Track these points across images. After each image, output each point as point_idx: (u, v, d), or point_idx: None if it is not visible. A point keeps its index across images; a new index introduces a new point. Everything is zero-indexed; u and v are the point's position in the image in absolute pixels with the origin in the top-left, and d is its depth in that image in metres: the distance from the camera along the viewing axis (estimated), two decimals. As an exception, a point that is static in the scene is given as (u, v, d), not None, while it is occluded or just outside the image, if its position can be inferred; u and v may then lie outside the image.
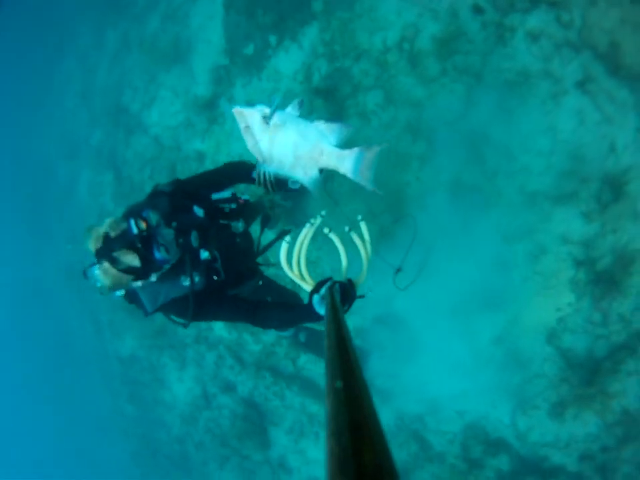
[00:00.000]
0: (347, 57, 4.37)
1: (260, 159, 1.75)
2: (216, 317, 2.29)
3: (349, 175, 1.64)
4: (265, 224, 2.97)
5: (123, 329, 7.28)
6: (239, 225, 2.48)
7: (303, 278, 1.75)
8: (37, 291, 11.35)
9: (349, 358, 0.73)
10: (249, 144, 1.72)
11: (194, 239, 2.07)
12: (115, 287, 1.89)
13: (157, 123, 6.16)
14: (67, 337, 10.25)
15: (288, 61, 4.79)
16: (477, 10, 3.86)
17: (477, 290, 3.89)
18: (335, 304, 1.25)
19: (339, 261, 1.75)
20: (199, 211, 2.22)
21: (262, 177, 1.77)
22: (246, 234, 2.61)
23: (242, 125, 1.69)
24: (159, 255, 1.91)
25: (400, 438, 4.53)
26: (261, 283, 2.75)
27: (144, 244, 1.85)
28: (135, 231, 1.83)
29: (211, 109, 5.48)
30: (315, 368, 4.95)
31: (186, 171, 5.67)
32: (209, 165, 5.48)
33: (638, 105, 3.29)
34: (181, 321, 2.17)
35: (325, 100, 4.47)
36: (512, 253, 3.81)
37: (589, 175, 3.48)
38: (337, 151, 1.63)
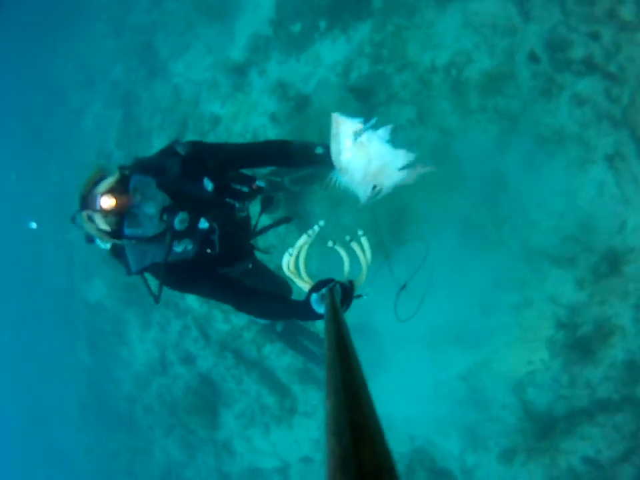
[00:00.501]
0: (391, 64, 4.40)
1: (337, 167, 1.86)
2: (199, 291, 2.26)
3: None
4: (266, 207, 2.94)
5: (95, 273, 7.21)
6: (242, 210, 2.49)
7: (301, 277, 1.78)
8: (21, 208, 11.04)
9: (349, 358, 0.74)
10: (333, 150, 1.84)
11: (178, 221, 2.01)
12: (98, 238, 1.94)
13: (181, 73, 6.06)
14: (39, 264, 10.05)
15: (332, 50, 4.78)
16: (533, 58, 3.93)
17: (456, 324, 4.06)
18: (335, 304, 1.27)
19: (339, 268, 1.81)
20: (207, 184, 2.20)
21: (333, 183, 1.88)
22: (247, 215, 2.60)
23: (333, 131, 1.81)
24: (127, 230, 1.88)
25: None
26: (251, 266, 2.76)
27: (114, 218, 1.85)
28: (111, 203, 1.83)
29: (240, 75, 5.41)
30: (278, 360, 5.03)
31: (197, 129, 5.60)
32: (221, 131, 5.43)
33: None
34: (156, 291, 2.17)
35: (357, 100, 4.48)
36: (499, 299, 3.96)
37: (592, 245, 3.65)
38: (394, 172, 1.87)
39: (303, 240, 1.77)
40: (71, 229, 2.01)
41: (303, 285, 1.78)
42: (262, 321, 3.95)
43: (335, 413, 0.55)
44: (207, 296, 2.30)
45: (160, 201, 1.95)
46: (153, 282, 2.20)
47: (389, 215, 4.23)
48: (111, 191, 1.82)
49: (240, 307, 2.13)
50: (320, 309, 1.69)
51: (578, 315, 3.76)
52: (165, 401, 5.92)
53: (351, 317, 3.67)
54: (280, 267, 1.81)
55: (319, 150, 2.38)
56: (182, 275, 2.13)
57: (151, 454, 6.48)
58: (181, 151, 2.18)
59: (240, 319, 5.13)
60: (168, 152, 2.21)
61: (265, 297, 2.14)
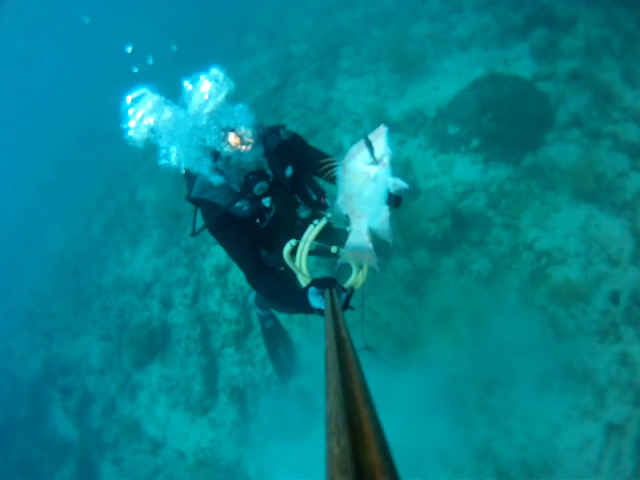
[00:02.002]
0: (501, 217, 4.85)
1: (340, 196, 1.87)
2: (228, 244, 2.53)
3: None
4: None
5: (156, 182, 8.19)
6: (302, 211, 2.75)
7: (301, 271, 1.94)
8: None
9: (348, 359, 0.78)
10: (341, 175, 1.83)
11: (258, 188, 2.34)
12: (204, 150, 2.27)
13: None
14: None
15: (465, 169, 5.34)
16: (614, 298, 4.16)
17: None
18: (335, 306, 1.34)
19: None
20: (289, 170, 2.58)
21: (335, 214, 1.94)
22: (305, 223, 2.74)
23: (353, 151, 1.79)
24: (221, 164, 2.26)
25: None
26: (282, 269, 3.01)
27: (213, 156, 2.24)
28: (236, 140, 2.18)
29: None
30: (229, 367, 5.40)
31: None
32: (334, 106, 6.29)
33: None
34: (198, 227, 2.51)
35: (451, 225, 4.84)
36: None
37: None
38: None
39: (309, 231, 1.96)
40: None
41: (302, 278, 1.93)
42: (260, 311, 4.34)
43: (334, 414, 0.58)
44: (232, 252, 2.55)
45: (256, 165, 2.31)
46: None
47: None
48: (239, 135, 2.19)
49: (251, 277, 2.42)
50: (315, 302, 1.83)
51: None
52: (121, 315, 6.56)
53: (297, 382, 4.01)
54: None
55: None
56: (226, 224, 2.43)
57: (75, 338, 7.06)
58: (284, 135, 2.58)
59: (231, 311, 5.62)
60: (274, 129, 2.60)
61: (275, 278, 2.37)
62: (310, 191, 2.81)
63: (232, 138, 2.17)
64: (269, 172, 2.39)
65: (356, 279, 1.93)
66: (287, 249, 1.97)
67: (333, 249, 1.94)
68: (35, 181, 13.02)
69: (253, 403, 5.01)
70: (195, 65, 2.24)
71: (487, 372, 4.13)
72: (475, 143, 5.34)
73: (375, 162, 1.73)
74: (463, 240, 4.80)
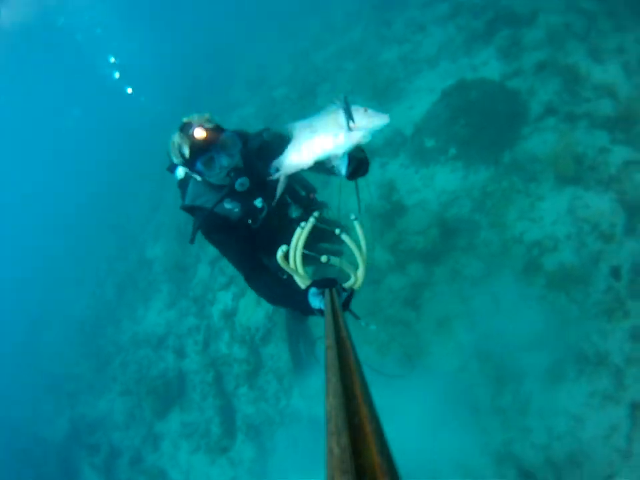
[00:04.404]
0: (487, 217, 5.02)
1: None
2: (223, 246, 2.63)
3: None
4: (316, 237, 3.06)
5: (162, 237, 9.00)
6: (294, 211, 2.91)
7: (297, 272, 1.98)
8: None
9: (349, 359, 0.79)
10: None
11: (239, 183, 2.46)
12: (175, 157, 2.40)
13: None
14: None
15: (447, 178, 5.60)
16: (616, 274, 4.16)
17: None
18: (335, 305, 1.37)
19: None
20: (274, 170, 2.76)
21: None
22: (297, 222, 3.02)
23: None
24: (199, 166, 2.34)
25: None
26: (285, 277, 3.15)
27: (197, 149, 2.31)
28: (202, 134, 2.28)
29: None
30: (244, 406, 5.68)
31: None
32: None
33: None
34: (195, 231, 2.60)
35: (440, 234, 5.10)
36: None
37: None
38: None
39: (297, 235, 2.00)
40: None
41: (299, 279, 1.98)
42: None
43: (334, 414, 0.59)
44: (227, 254, 2.64)
45: (234, 161, 2.42)
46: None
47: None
48: (207, 129, 2.29)
49: (249, 277, 2.49)
50: (315, 303, 1.86)
51: None
52: (139, 368, 6.98)
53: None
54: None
55: None
56: (218, 225, 2.55)
57: (98, 397, 7.51)
58: (266, 137, 2.69)
59: (240, 351, 5.92)
60: (258, 133, 2.73)
61: (273, 278, 2.45)
62: (298, 187, 2.95)
63: (198, 132, 2.26)
64: (241, 164, 2.48)
65: (356, 279, 1.94)
66: (279, 254, 1.98)
67: (323, 259, 1.92)
68: (47, 247, 13.99)
69: (269, 438, 5.20)
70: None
71: (495, 373, 4.19)
72: (452, 151, 5.60)
73: (348, 129, 1.71)
74: (453, 247, 4.94)
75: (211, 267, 7.28)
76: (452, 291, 4.76)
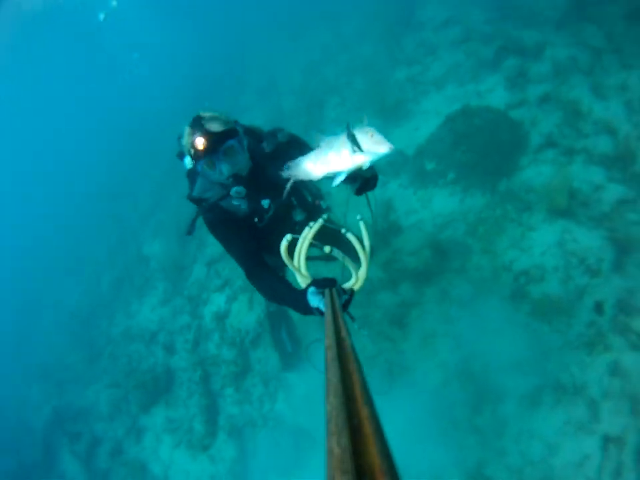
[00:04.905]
0: (479, 243, 5.21)
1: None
2: (226, 240, 2.64)
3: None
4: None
5: (161, 235, 9.21)
6: (298, 214, 2.94)
7: (299, 271, 1.99)
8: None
9: (348, 359, 0.80)
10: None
11: (235, 190, 2.50)
12: (186, 151, 2.44)
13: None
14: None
15: (444, 201, 5.79)
16: (599, 308, 4.34)
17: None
18: (335, 305, 1.38)
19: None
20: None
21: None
22: (300, 226, 2.92)
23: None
24: (200, 166, 2.40)
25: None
26: (281, 274, 2.99)
27: (197, 154, 2.35)
28: (200, 146, 2.31)
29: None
30: (229, 407, 5.84)
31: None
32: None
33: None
34: (194, 222, 2.65)
35: (432, 255, 5.29)
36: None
37: None
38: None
39: (305, 232, 2.03)
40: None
41: (300, 278, 1.99)
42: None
43: (334, 414, 0.59)
44: (231, 248, 2.63)
45: (235, 169, 2.45)
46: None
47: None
48: (210, 136, 2.31)
49: (250, 274, 2.49)
50: (314, 302, 1.84)
51: None
52: (129, 362, 7.15)
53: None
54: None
55: None
56: (223, 219, 2.58)
57: (86, 387, 7.65)
58: (281, 138, 2.69)
59: (229, 353, 6.11)
60: (272, 133, 2.72)
61: (274, 275, 2.44)
62: (305, 192, 2.99)
63: (198, 142, 2.31)
64: (245, 173, 2.52)
65: (356, 279, 1.94)
66: (283, 244, 2.00)
67: (326, 249, 1.96)
68: (48, 235, 14.11)
69: (251, 440, 5.37)
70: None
71: (475, 393, 4.35)
72: (451, 175, 5.81)
73: (352, 152, 1.78)
74: (445, 269, 5.13)
75: (208, 267, 7.46)
76: (440, 311, 4.93)
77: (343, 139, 1.80)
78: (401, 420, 4.28)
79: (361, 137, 1.77)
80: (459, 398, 4.42)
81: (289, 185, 2.03)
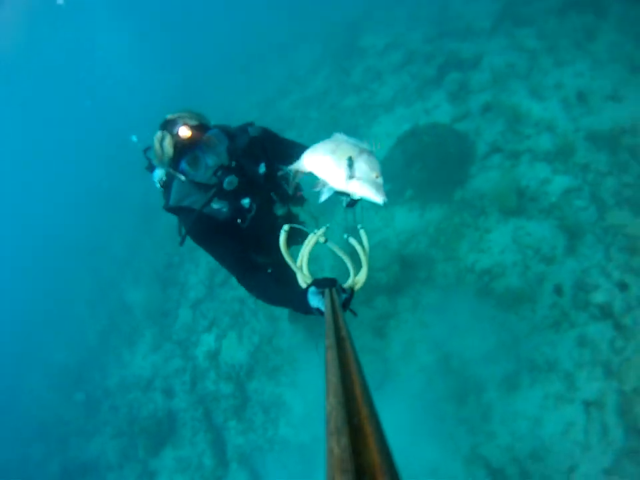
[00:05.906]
0: (442, 252, 5.69)
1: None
2: (213, 249, 2.56)
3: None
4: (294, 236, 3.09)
5: (141, 285, 9.45)
6: (279, 209, 2.93)
7: (301, 271, 1.98)
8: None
9: (349, 359, 0.81)
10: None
11: (227, 182, 2.40)
12: (159, 159, 2.36)
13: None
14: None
15: (405, 218, 6.32)
16: (558, 291, 4.82)
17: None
18: (335, 305, 1.38)
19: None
20: (262, 167, 2.64)
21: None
22: (283, 220, 2.93)
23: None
24: (183, 165, 2.32)
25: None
26: (270, 270, 2.86)
27: (181, 148, 2.27)
28: (187, 133, 2.25)
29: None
30: (234, 437, 6.17)
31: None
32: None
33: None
34: (185, 234, 2.52)
35: (400, 268, 5.77)
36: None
37: (535, 475, 4.20)
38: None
39: (310, 236, 2.01)
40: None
41: (301, 278, 1.97)
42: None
43: (334, 414, 0.61)
44: (218, 256, 2.56)
45: (221, 159, 2.40)
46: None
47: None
48: (192, 127, 2.27)
49: (243, 279, 2.44)
50: (314, 302, 1.83)
51: None
52: (130, 411, 7.41)
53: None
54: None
55: None
56: (207, 227, 2.49)
57: (89, 439, 7.82)
58: (252, 132, 2.65)
59: (226, 387, 6.47)
60: (242, 128, 2.69)
61: (268, 278, 2.41)
62: (285, 185, 2.88)
63: (182, 131, 2.25)
64: (233, 164, 2.45)
65: (356, 279, 1.94)
66: (282, 236, 2.00)
67: (321, 239, 1.97)
68: (25, 296, 14.15)
69: (261, 464, 5.70)
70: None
71: (457, 387, 4.74)
72: (408, 192, 6.31)
73: (349, 178, 1.73)
74: (413, 280, 5.58)
75: (193, 310, 7.79)
76: (414, 319, 5.38)
77: (349, 150, 1.78)
78: (391, 423, 4.63)
79: (366, 171, 1.72)
80: (443, 394, 4.82)
81: (292, 181, 2.02)
